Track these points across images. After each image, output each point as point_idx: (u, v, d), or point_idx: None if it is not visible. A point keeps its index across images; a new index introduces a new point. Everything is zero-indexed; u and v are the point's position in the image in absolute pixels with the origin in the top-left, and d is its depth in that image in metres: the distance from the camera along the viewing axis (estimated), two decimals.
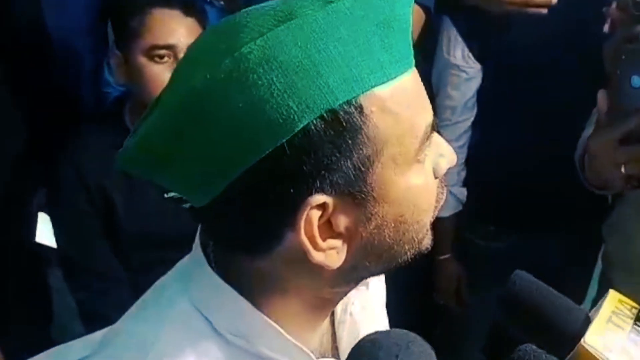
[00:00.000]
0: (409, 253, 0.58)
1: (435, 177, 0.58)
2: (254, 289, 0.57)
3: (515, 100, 1.42)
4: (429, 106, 0.56)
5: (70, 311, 1.54)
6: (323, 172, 0.51)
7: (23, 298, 1.64)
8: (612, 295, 0.46)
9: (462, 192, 1.46)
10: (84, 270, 1.41)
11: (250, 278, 0.57)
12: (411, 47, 0.55)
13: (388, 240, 0.55)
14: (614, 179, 1.07)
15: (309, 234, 0.52)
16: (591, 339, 0.42)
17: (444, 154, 0.58)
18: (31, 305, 1.69)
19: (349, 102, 0.50)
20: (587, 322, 0.45)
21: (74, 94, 1.72)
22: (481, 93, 1.47)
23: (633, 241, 1.24)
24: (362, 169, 0.52)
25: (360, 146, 0.51)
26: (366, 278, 0.61)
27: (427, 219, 0.58)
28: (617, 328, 0.42)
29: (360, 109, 0.50)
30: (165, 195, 1.44)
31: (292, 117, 0.49)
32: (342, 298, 0.63)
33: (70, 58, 1.66)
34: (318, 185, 0.51)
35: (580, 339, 0.43)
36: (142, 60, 1.34)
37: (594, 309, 0.47)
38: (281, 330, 0.57)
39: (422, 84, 0.56)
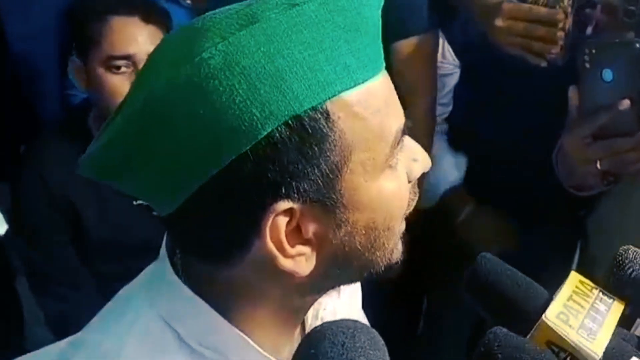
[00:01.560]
0: (380, 262, 0.56)
1: (409, 182, 0.57)
2: (223, 298, 0.55)
3: (493, 94, 1.39)
4: (400, 110, 0.55)
5: (40, 320, 1.51)
6: (289, 179, 0.49)
7: None
8: (573, 276, 0.47)
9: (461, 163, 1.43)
10: (50, 280, 1.39)
11: (219, 287, 0.55)
12: (381, 50, 0.53)
13: (359, 247, 0.54)
14: (588, 175, 1.06)
15: (276, 240, 0.51)
16: (552, 314, 0.43)
17: (418, 158, 0.57)
18: (1, 315, 1.66)
19: (314, 108, 0.49)
20: (548, 302, 0.46)
21: (36, 97, 1.68)
22: (460, 89, 1.45)
23: (617, 238, 1.23)
24: (330, 175, 0.50)
25: (327, 152, 0.50)
26: (337, 286, 0.60)
27: (398, 226, 0.56)
28: (577, 306, 0.44)
29: (326, 114, 0.49)
30: (135, 203, 1.42)
31: (255, 124, 0.47)
32: (311, 306, 0.62)
33: (31, 62, 1.63)
34: (284, 192, 0.50)
35: (540, 317, 0.44)
36: (100, 70, 1.30)
37: (557, 291, 0.48)
38: (250, 341, 0.56)
39: (393, 87, 0.55)
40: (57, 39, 1.62)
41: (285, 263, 0.52)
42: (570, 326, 0.42)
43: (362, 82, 0.51)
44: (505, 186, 1.39)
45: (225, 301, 0.55)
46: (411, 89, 1.29)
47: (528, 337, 0.43)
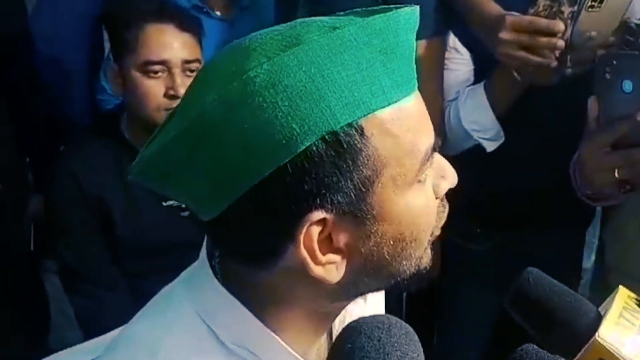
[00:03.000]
0: (407, 271, 0.59)
1: (437, 197, 0.59)
2: (257, 300, 0.58)
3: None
4: (431, 128, 0.57)
5: (68, 320, 1.54)
6: (324, 190, 0.52)
7: (21, 307, 1.65)
8: (622, 292, 0.47)
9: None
10: (82, 278, 1.42)
11: (254, 290, 0.58)
12: (414, 71, 0.56)
13: (386, 257, 0.57)
14: (606, 184, 1.07)
15: (309, 248, 0.54)
16: (605, 333, 0.43)
17: (446, 176, 0.60)
18: (29, 315, 1.69)
19: (350, 125, 0.52)
20: (599, 318, 0.45)
21: (65, 101, 1.72)
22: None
23: (634, 247, 1.25)
24: (362, 188, 0.53)
25: (361, 167, 0.53)
26: (365, 294, 0.62)
27: (426, 238, 0.59)
28: (628, 323, 0.44)
29: (361, 131, 0.52)
30: (164, 204, 1.46)
31: (295, 138, 0.51)
32: (340, 312, 0.64)
33: (60, 66, 1.67)
34: (319, 202, 0.53)
35: (592, 335, 0.44)
36: (136, 74, 1.35)
37: (603, 305, 0.48)
38: (282, 343, 0.58)
39: (425, 107, 0.57)
40: (85, 43, 1.66)
41: (317, 270, 0.55)
42: (622, 344, 0.42)
43: (396, 102, 0.54)
44: (516, 190, 1.40)
45: (259, 304, 0.58)
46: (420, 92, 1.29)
47: (579, 355, 0.43)
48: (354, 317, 0.67)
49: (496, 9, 1.25)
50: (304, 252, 0.54)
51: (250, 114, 0.51)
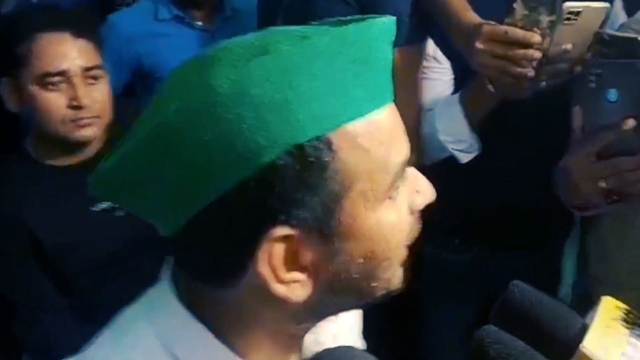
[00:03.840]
0: (378, 292, 0.56)
1: (411, 214, 0.57)
2: (221, 322, 0.56)
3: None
4: (405, 143, 0.55)
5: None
6: (288, 206, 0.50)
7: None
8: (607, 301, 0.46)
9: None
10: (21, 306, 1.36)
11: (219, 312, 0.56)
12: (390, 83, 0.54)
13: (355, 276, 0.54)
14: (591, 194, 1.06)
15: (271, 266, 0.52)
16: (590, 343, 0.41)
17: (421, 191, 0.57)
18: None
19: (318, 138, 0.50)
20: (584, 329, 0.44)
21: None
22: None
23: (617, 257, 1.23)
24: (330, 204, 0.51)
25: (328, 181, 0.50)
26: (335, 314, 0.59)
27: (397, 257, 0.56)
28: (615, 332, 0.42)
29: (329, 144, 0.50)
30: (92, 209, 1.37)
31: (259, 152, 0.49)
32: (307, 332, 0.61)
33: None
34: (283, 218, 0.50)
35: (578, 346, 0.43)
36: (34, 88, 1.28)
37: (589, 315, 0.47)
38: None
39: (400, 120, 0.55)
40: None
41: (279, 289, 0.52)
42: (608, 354, 0.41)
43: (368, 114, 0.52)
44: (494, 202, 1.38)
45: (224, 327, 0.56)
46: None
47: None
48: (327, 335, 0.66)
49: (474, 17, 1.23)
50: (264, 270, 0.52)
51: (213, 125, 0.49)
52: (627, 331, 0.43)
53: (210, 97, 0.48)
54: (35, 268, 1.34)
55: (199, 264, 0.54)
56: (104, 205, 1.34)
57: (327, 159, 0.50)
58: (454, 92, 1.37)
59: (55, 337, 1.34)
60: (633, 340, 0.42)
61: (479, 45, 1.15)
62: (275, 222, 0.50)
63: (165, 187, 0.51)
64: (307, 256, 0.52)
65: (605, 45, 1.04)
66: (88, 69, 1.30)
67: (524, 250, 1.41)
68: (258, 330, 0.56)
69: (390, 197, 0.54)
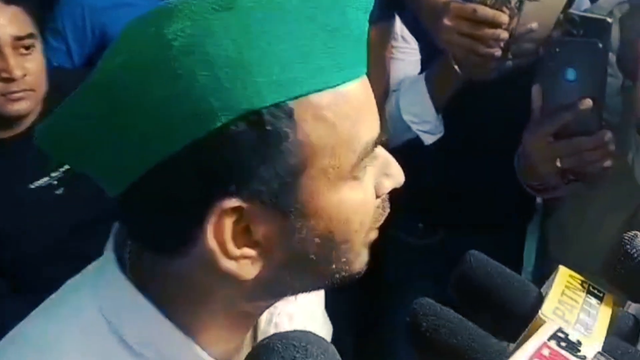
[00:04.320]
0: (337, 274, 0.53)
1: (377, 197, 0.54)
2: (169, 296, 0.53)
3: None
4: (376, 122, 0.52)
5: None
6: (240, 176, 0.47)
7: None
8: (563, 271, 0.46)
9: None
10: None
11: (165, 283, 0.53)
12: (363, 55, 0.51)
13: (312, 256, 0.51)
14: (549, 174, 1.06)
15: (219, 239, 0.49)
16: (548, 310, 0.41)
17: (390, 174, 0.55)
18: None
19: (277, 106, 0.46)
20: (541, 297, 0.45)
21: None
22: None
23: (576, 240, 1.24)
24: (287, 178, 0.48)
25: (286, 154, 0.47)
26: (293, 294, 0.56)
27: (359, 240, 0.53)
28: (571, 300, 0.43)
29: (290, 114, 0.47)
30: (31, 186, 1.33)
31: (211, 114, 0.45)
32: (263, 312, 0.59)
33: None
34: (234, 189, 0.47)
35: (535, 314, 0.42)
36: None
37: (544, 287, 0.47)
38: (192, 343, 0.53)
39: (372, 96, 0.52)
40: None
41: (227, 265, 0.49)
42: (566, 321, 0.41)
43: (335, 86, 0.49)
44: (457, 184, 1.39)
45: (171, 299, 0.53)
46: None
47: (523, 335, 0.41)
48: (283, 317, 0.63)
49: None
50: (212, 244, 0.49)
51: (164, 81, 0.45)
52: (581, 299, 0.43)
53: (162, 51, 0.45)
54: None
55: (146, 230, 0.51)
56: (43, 182, 1.29)
57: (286, 129, 0.47)
58: (421, 73, 1.36)
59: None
60: (587, 308, 0.42)
61: (446, 22, 1.14)
62: (224, 193, 0.47)
63: (112, 144, 0.48)
64: (260, 231, 0.49)
65: (574, 26, 1.03)
66: (20, 38, 1.24)
67: (488, 233, 1.40)
68: (209, 307, 0.53)
69: (355, 177, 0.51)
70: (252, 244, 0.50)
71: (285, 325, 0.63)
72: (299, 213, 0.49)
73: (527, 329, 0.41)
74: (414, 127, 1.34)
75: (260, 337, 0.62)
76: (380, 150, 0.54)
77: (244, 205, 0.48)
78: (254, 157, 0.46)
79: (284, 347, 0.41)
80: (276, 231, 0.49)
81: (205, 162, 0.46)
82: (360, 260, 0.54)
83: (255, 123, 0.46)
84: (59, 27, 1.61)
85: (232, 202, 0.47)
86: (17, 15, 1.24)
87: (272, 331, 0.62)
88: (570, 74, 1.01)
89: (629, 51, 1.07)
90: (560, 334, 0.39)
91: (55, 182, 1.29)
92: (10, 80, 1.22)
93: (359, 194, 0.51)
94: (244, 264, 0.50)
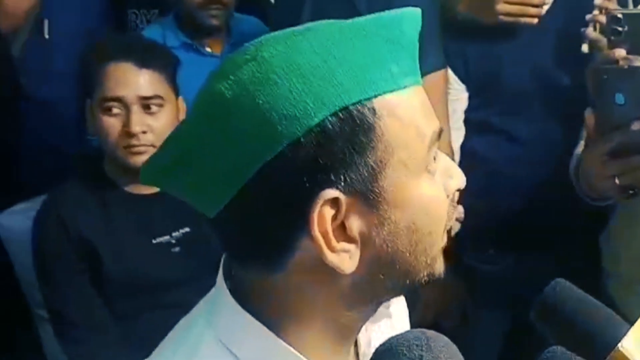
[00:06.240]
0: (422, 270, 0.58)
1: (446, 197, 0.59)
2: (271, 311, 0.57)
3: (506, 122, 1.47)
4: (434, 117, 0.59)
5: None
6: (337, 167, 0.53)
7: (16, 356, 1.59)
8: None
9: (460, 211, 1.46)
10: (71, 324, 1.40)
11: (270, 303, 0.57)
12: (418, 66, 0.59)
13: (401, 248, 0.56)
14: (607, 189, 1.12)
15: (322, 231, 0.53)
16: (629, 344, 0.41)
17: (453, 176, 0.60)
18: None
19: (362, 103, 0.53)
20: (626, 330, 0.44)
21: (55, 141, 1.70)
22: (470, 115, 1.52)
23: (628, 250, 1.29)
24: (375, 168, 0.54)
25: (373, 145, 0.54)
26: (383, 298, 0.60)
27: (440, 232, 0.58)
28: None
29: (372, 110, 0.54)
30: (153, 241, 1.46)
31: (308, 112, 0.52)
32: (361, 326, 0.63)
33: (52, 108, 1.65)
34: (332, 178, 0.53)
35: (615, 346, 0.42)
36: (97, 111, 1.37)
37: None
38: (303, 358, 0.56)
39: (428, 100, 0.60)
40: (74, 82, 1.66)
41: (331, 257, 0.53)
42: None
43: (404, 88, 0.56)
44: (525, 212, 1.44)
45: (273, 315, 0.57)
46: None
47: None
48: (380, 339, 0.64)
49: None
50: (317, 235, 0.53)
51: (264, 90, 0.52)
52: None
53: (261, 67, 0.52)
54: (93, 291, 1.39)
55: (247, 243, 0.56)
56: (164, 239, 1.40)
57: (371, 122, 0.53)
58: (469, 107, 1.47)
59: (103, 358, 1.37)
60: None
61: None
62: (324, 184, 0.52)
63: (215, 158, 0.54)
64: (355, 225, 0.54)
65: (618, 24, 1.10)
66: (146, 98, 1.35)
67: (555, 257, 1.43)
68: (312, 320, 0.57)
69: (428, 171, 0.57)
70: (349, 240, 0.54)
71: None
72: (386, 203, 0.54)
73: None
74: None
75: (362, 359, 0.65)
76: (442, 155, 0.60)
77: (341, 196, 0.53)
78: (347, 148, 0.52)
79: (407, 347, 0.44)
80: (368, 223, 0.54)
81: (306, 157, 0.52)
82: (440, 260, 0.59)
83: (345, 117, 0.52)
84: None
85: (331, 193, 0.52)
86: (149, 77, 1.36)
87: (372, 352, 0.62)
88: (619, 99, 1.08)
89: None
90: None
91: (174, 242, 1.41)
92: (131, 135, 1.34)
93: (434, 187, 0.57)
94: (344, 258, 0.54)
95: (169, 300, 1.35)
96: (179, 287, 1.37)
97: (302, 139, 0.52)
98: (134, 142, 1.34)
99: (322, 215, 0.53)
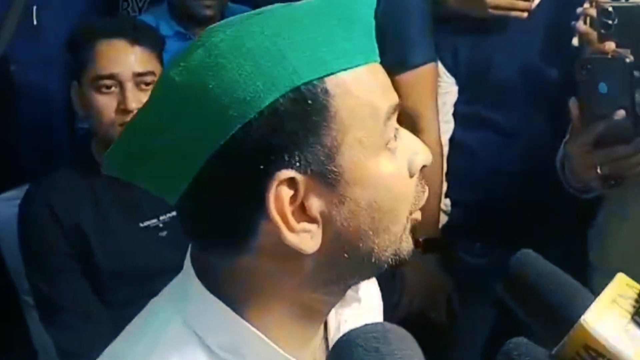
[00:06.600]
0: (387, 249, 0.58)
1: (411, 175, 0.59)
2: (239, 297, 0.57)
3: (494, 116, 1.47)
4: (393, 93, 0.59)
5: (50, 356, 1.50)
6: (291, 147, 0.53)
7: (2, 345, 1.59)
8: (620, 278, 0.45)
9: (446, 204, 1.48)
10: (60, 309, 1.40)
11: (234, 285, 0.57)
12: (374, 44, 0.58)
13: (363, 227, 0.56)
14: (590, 179, 1.12)
15: (280, 212, 0.53)
16: (592, 318, 0.40)
17: (418, 151, 0.60)
18: (13, 350, 1.64)
19: (313, 83, 0.53)
20: (590, 303, 0.44)
21: (45, 129, 1.70)
22: (459, 108, 1.52)
23: (615, 245, 1.28)
24: (331, 148, 0.54)
25: (326, 125, 0.54)
26: (350, 280, 0.60)
27: (403, 213, 0.58)
28: (621, 310, 0.41)
29: (324, 90, 0.54)
30: (141, 225, 1.44)
31: (258, 95, 0.52)
32: (329, 310, 0.62)
33: (38, 92, 1.64)
34: (286, 159, 0.53)
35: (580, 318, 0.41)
36: (90, 91, 1.35)
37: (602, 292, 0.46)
38: (268, 341, 0.57)
39: (387, 76, 0.59)
40: (64, 69, 1.65)
41: (291, 238, 0.54)
42: (611, 331, 0.38)
43: (357, 66, 0.55)
44: (512, 204, 1.44)
45: (242, 301, 0.57)
46: (418, 119, 1.38)
47: (563, 341, 0.40)
48: (350, 323, 0.66)
49: None
50: (276, 217, 0.53)
51: (214, 75, 0.53)
52: (632, 309, 0.41)
53: (211, 52, 0.53)
54: (83, 277, 1.39)
55: (209, 227, 0.56)
56: (151, 222, 1.39)
57: (323, 102, 0.53)
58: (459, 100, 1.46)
59: (95, 347, 1.34)
60: (638, 319, 0.41)
61: None
62: (279, 165, 0.53)
63: (171, 145, 0.54)
64: (314, 205, 0.54)
65: (608, 17, 1.10)
66: (140, 74, 1.34)
67: (543, 251, 1.44)
68: (276, 301, 0.57)
69: (388, 149, 0.57)
70: (310, 220, 0.55)
71: None
72: (344, 182, 0.54)
73: (569, 334, 0.40)
74: None
75: (331, 343, 0.64)
76: (405, 132, 0.59)
77: (297, 176, 0.53)
78: (301, 128, 0.53)
79: (365, 339, 0.43)
80: (328, 202, 0.54)
81: (258, 139, 0.52)
82: (407, 240, 0.59)
83: (297, 98, 0.53)
84: None
85: (287, 173, 0.53)
86: (141, 54, 1.35)
87: None
88: (603, 88, 1.07)
89: None
90: None
91: (162, 225, 1.41)
92: (127, 112, 1.32)
93: (393, 165, 0.57)
94: (305, 238, 0.54)
95: (158, 289, 1.33)
96: (167, 275, 1.35)
97: (253, 122, 0.52)
98: (129, 119, 1.33)
99: (279, 196, 0.53)
